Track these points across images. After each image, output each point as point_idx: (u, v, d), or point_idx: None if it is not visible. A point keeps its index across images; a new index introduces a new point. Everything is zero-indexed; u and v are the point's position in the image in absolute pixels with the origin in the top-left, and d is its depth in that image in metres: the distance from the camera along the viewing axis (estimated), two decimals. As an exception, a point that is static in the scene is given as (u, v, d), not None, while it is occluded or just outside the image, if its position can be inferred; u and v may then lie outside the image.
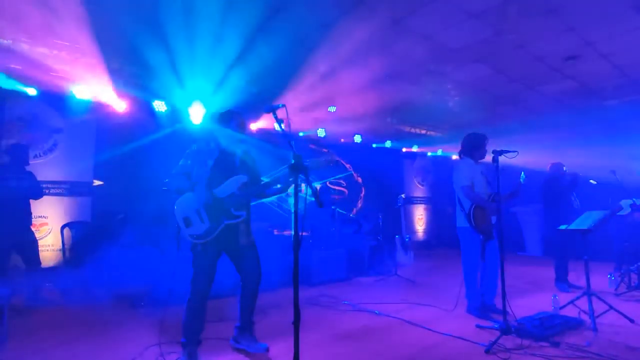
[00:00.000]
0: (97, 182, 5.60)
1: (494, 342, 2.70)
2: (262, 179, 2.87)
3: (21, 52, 4.69)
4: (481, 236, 3.49)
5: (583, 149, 6.81)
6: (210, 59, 4.96)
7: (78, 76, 5.09)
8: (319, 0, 3.94)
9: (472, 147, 3.72)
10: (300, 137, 7.88)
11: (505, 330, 2.84)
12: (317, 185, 7.69)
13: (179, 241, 2.55)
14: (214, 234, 2.55)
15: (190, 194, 2.59)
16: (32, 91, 5.02)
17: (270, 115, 2.16)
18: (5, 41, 4.52)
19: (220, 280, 2.63)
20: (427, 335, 3.06)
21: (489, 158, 3.33)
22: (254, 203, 2.91)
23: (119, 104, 5.53)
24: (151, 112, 5.84)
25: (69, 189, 5.52)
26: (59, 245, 4.99)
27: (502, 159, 3.13)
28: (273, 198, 2.86)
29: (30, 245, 4.15)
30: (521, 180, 3.72)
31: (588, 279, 3.29)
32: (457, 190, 3.66)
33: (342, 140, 8.44)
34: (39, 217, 5.15)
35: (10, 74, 4.80)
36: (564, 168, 4.88)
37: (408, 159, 10.01)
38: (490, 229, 3.52)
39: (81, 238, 4.89)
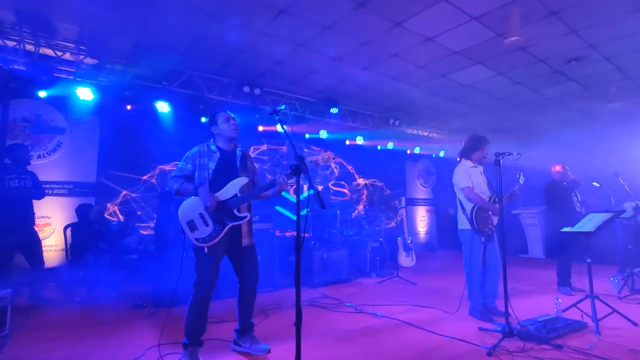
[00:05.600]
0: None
1: (496, 345, 2.69)
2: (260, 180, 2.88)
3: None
4: (483, 238, 3.49)
5: (586, 151, 6.78)
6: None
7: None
8: (321, 2, 3.95)
9: (470, 149, 3.72)
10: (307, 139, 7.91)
11: (507, 332, 2.82)
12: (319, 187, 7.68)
13: (184, 244, 2.55)
14: (220, 236, 2.54)
15: (193, 198, 2.58)
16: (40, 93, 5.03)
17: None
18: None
19: (221, 281, 2.63)
20: (428, 338, 3.05)
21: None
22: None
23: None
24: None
25: (73, 189, 5.55)
26: (62, 245, 5.02)
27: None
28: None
29: (33, 245, 4.16)
30: (520, 181, 3.70)
31: (591, 282, 3.27)
32: (458, 192, 3.66)
33: (348, 142, 8.46)
34: (43, 217, 5.19)
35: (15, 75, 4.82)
36: (567, 170, 4.86)
37: (410, 161, 10.01)
38: (492, 231, 3.51)
39: (84, 238, 4.90)
